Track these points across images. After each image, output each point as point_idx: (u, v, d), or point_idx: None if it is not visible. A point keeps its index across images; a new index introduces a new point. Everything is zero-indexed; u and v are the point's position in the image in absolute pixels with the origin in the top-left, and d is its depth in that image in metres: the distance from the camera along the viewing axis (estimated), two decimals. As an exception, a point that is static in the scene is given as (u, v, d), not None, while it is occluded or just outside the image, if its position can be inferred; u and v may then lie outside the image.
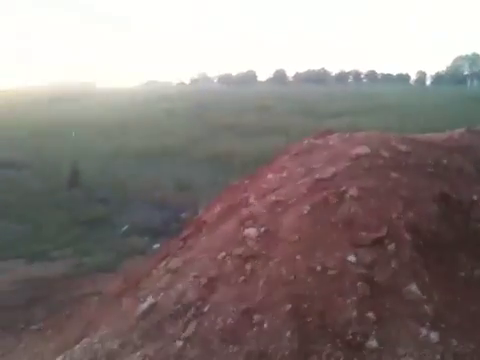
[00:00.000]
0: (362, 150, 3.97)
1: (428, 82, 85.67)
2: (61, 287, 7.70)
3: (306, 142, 4.96)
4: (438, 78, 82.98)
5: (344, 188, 3.55)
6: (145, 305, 3.43)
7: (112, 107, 38.04)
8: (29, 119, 28.34)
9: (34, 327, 6.41)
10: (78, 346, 3.61)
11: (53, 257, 9.14)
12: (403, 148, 4.05)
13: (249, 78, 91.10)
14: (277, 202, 3.80)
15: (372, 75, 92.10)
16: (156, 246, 9.02)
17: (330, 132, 5.20)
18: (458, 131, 4.79)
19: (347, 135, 4.76)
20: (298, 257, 3.20)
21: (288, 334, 2.85)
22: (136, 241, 9.92)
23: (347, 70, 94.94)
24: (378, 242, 3.19)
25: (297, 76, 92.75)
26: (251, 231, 3.57)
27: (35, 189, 13.59)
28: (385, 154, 3.95)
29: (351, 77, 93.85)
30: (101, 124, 25.71)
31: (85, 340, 3.66)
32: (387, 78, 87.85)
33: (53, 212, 11.51)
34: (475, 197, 3.88)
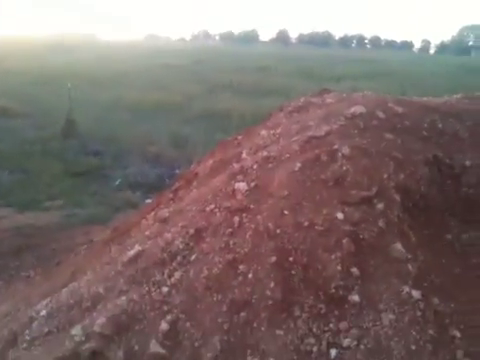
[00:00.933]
0: (358, 110, 3.93)
1: (432, 51, 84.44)
2: (52, 237, 7.73)
3: (302, 100, 4.91)
4: (442, 47, 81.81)
5: (336, 146, 3.53)
6: (132, 252, 3.46)
7: (110, 59, 37.38)
8: (26, 67, 27.86)
9: (24, 274, 6.48)
10: (64, 290, 3.66)
11: (45, 207, 9.13)
12: (399, 110, 4.01)
13: (251, 37, 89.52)
14: (269, 158, 3.78)
15: (376, 41, 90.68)
16: (149, 201, 9.04)
17: (327, 91, 5.14)
18: (455, 96, 4.75)
19: (344, 95, 4.71)
20: (286, 212, 3.22)
21: (272, 285, 2.90)
22: (129, 195, 9.92)
23: (351, 34, 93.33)
24: (367, 201, 3.20)
25: (300, 38, 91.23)
26: (241, 185, 3.57)
27: (29, 138, 13.46)
28: (380, 115, 3.91)
29: (355, 42, 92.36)
30: (98, 75, 25.33)
31: (71, 284, 3.71)
32: (391, 44, 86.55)
33: (46, 162, 11.44)
34: (468, 163, 3.88)
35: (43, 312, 3.38)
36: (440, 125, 4.04)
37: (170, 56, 41.72)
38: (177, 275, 3.11)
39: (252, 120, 10.30)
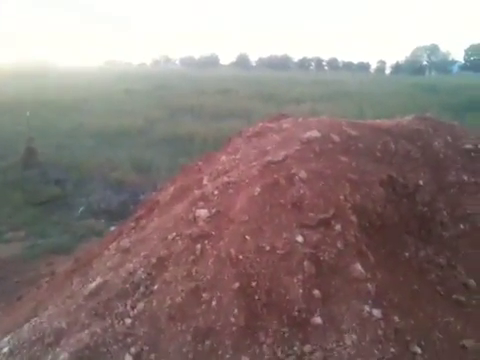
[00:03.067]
0: (313, 134, 4.04)
1: (387, 71, 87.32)
2: (15, 269, 7.54)
3: (260, 125, 5.01)
4: (397, 67, 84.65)
5: (294, 171, 3.62)
6: (94, 284, 3.42)
7: (70, 86, 37.00)
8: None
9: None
10: (26, 325, 3.57)
11: (6, 238, 8.91)
12: (353, 133, 4.15)
13: (212, 61, 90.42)
14: (229, 183, 3.83)
15: (333, 63, 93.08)
16: (113, 228, 8.92)
17: (284, 116, 5.26)
18: (407, 118, 4.95)
19: (300, 119, 4.83)
20: (247, 237, 3.26)
21: (235, 311, 2.92)
22: (93, 223, 9.78)
23: (309, 57, 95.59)
24: (325, 223, 3.28)
25: (260, 61, 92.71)
26: (202, 212, 3.60)
27: (-13, 168, 13.13)
28: (335, 138, 4.04)
29: (313, 64, 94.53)
30: (58, 103, 25.01)
31: (33, 320, 3.62)
32: (348, 66, 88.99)
33: (7, 192, 11.17)
34: (421, 182, 4.04)
35: (5, 349, 3.29)
36: (393, 146, 4.20)
37: (131, 81, 41.66)
38: (140, 306, 3.09)
39: (214, 143, 10.40)
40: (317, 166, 3.68)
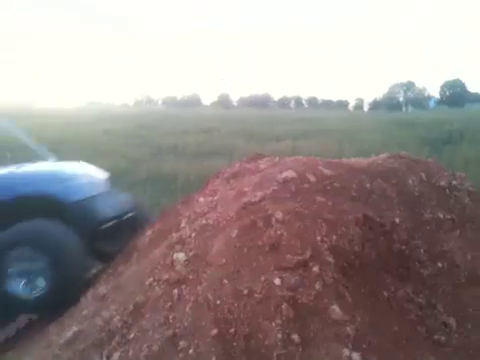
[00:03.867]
0: (289, 174, 4.08)
1: (366, 108, 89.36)
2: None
3: (237, 165, 5.04)
4: (375, 104, 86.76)
5: (271, 212, 3.63)
6: (69, 333, 3.34)
7: (49, 127, 36.94)
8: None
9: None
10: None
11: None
12: (328, 172, 4.20)
13: (193, 101, 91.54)
14: (207, 226, 3.82)
15: (313, 101, 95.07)
16: (92, 273, 8.73)
17: (261, 156, 5.31)
18: (382, 156, 5.03)
19: (276, 159, 4.88)
20: (225, 281, 3.23)
21: (213, 359, 2.85)
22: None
23: (289, 95, 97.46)
24: (302, 265, 3.27)
25: (241, 100, 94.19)
26: (179, 255, 3.57)
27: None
28: (311, 178, 4.08)
29: (293, 102, 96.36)
30: (38, 143, 24.85)
31: (8, 372, 3.51)
32: (327, 104, 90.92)
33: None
34: (397, 220, 4.07)
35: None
36: (368, 185, 4.24)
37: (113, 121, 41.74)
38: (116, 356, 3.01)
39: (198, 182, 10.36)
40: (294, 206, 3.70)
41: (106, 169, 18.58)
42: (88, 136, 29.67)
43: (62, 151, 22.81)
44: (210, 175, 6.82)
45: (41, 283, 3.88)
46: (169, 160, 20.70)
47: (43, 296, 3.86)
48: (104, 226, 4.43)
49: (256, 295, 3.11)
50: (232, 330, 2.97)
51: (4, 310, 4.13)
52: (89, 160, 19.18)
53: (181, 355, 2.90)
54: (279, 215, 3.57)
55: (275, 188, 3.97)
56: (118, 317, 3.26)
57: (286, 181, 4.03)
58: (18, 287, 3.90)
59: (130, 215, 4.93)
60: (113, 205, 4.69)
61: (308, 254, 3.29)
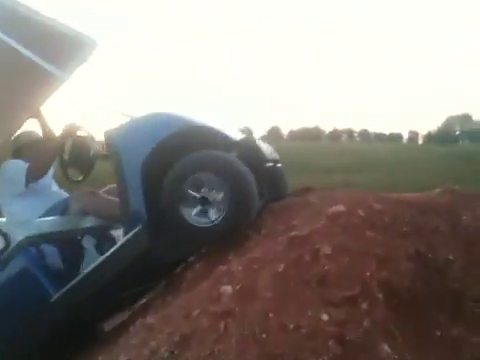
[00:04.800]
0: (338, 209, 4.05)
1: (420, 141, 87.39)
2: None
3: (287, 199, 5.06)
4: (430, 137, 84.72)
5: (318, 246, 3.61)
6: (117, 363, 3.40)
7: None
8: None
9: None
10: None
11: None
12: (378, 207, 4.14)
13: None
14: (254, 259, 3.83)
15: (365, 133, 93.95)
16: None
17: (310, 189, 5.31)
18: (435, 191, 4.91)
19: (326, 193, 4.87)
20: (271, 315, 3.22)
21: (259, 394, 2.83)
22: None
23: (340, 128, 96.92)
24: (351, 300, 3.21)
25: (291, 133, 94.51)
26: (227, 288, 3.59)
27: None
28: (361, 213, 4.03)
29: (344, 135, 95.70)
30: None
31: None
32: (380, 137, 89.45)
33: None
34: (451, 256, 3.93)
35: None
36: (420, 220, 4.14)
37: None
38: (162, 386, 3.04)
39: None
40: (342, 241, 3.66)
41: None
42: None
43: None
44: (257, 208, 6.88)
45: (217, 212, 4.05)
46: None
47: (220, 223, 4.05)
48: (267, 164, 4.68)
49: (302, 330, 3.07)
50: (278, 365, 2.94)
51: (180, 239, 4.34)
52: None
53: (226, 389, 2.89)
54: (327, 250, 3.54)
55: (324, 222, 3.95)
56: (165, 347, 3.30)
57: (335, 215, 4.00)
58: (196, 214, 4.08)
59: (279, 165, 5.22)
60: (269, 148, 5.00)
61: (357, 290, 3.24)
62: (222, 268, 4.03)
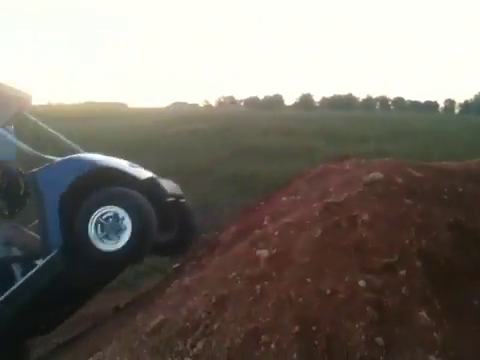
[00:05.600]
0: (376, 175, 3.99)
1: (457, 110, 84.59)
2: (81, 302, 7.77)
3: (322, 166, 5.01)
4: (467, 106, 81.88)
5: (356, 213, 3.58)
6: (155, 321, 3.49)
7: (139, 126, 38.66)
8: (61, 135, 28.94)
9: (54, 340, 6.51)
10: (90, 359, 3.69)
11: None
12: (417, 175, 4.06)
13: (276, 102, 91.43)
14: (290, 224, 3.84)
15: (400, 102, 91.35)
16: (176, 266, 9.07)
17: (347, 157, 5.24)
18: (476, 160, 4.77)
19: (363, 161, 4.80)
20: (308, 280, 3.23)
21: (295, 356, 2.86)
22: (156, 260, 9.98)
23: (374, 96, 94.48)
24: (389, 268, 3.20)
25: (323, 101, 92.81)
26: (263, 252, 3.62)
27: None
28: (399, 180, 3.96)
29: (378, 103, 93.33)
30: (127, 143, 26.16)
31: (97, 354, 3.73)
32: (415, 105, 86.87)
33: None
34: (491, 226, 3.84)
35: (68, 382, 3.40)
36: (460, 189, 4.05)
37: (197, 122, 42.89)
38: (199, 345, 3.11)
39: (277, 183, 10.42)
40: (380, 208, 3.62)
41: (190, 168, 19.24)
42: (173, 136, 30.75)
43: (152, 149, 23.89)
44: (290, 177, 6.85)
45: (121, 239, 4.40)
46: (249, 161, 20.94)
47: (125, 248, 4.36)
48: (168, 199, 5.05)
49: (339, 295, 3.08)
50: (314, 328, 2.97)
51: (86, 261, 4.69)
52: (175, 159, 19.96)
53: (263, 349, 2.94)
54: (365, 216, 3.51)
55: (361, 189, 3.90)
56: (202, 308, 3.37)
57: (373, 182, 3.95)
58: (100, 241, 4.46)
59: (183, 201, 5.55)
60: (171, 186, 5.39)
61: (395, 257, 3.22)
62: (257, 232, 4.05)
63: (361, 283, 3.12)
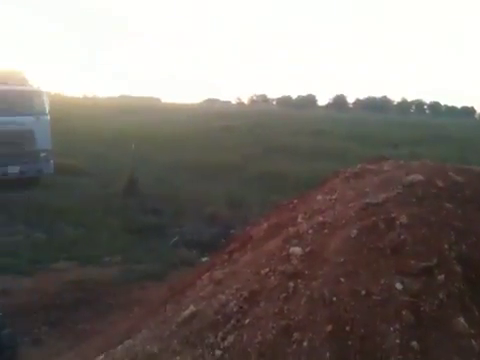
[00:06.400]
0: (416, 178, 3.90)
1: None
2: (110, 291, 7.93)
3: (359, 166, 4.93)
4: (505, 113, 79.56)
5: (394, 214, 3.50)
6: (187, 312, 3.50)
7: (172, 121, 39.03)
8: (91, 128, 29.53)
9: (80, 327, 6.63)
10: (120, 347, 3.73)
11: (104, 262, 9.44)
12: (459, 179, 3.95)
13: (308, 102, 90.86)
14: (324, 223, 3.79)
15: (436, 106, 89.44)
16: (204, 259, 9.13)
17: (385, 158, 5.15)
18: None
19: (402, 162, 4.70)
20: (342, 279, 3.18)
21: (327, 355, 2.83)
22: (184, 253, 10.08)
23: (410, 99, 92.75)
24: (427, 271, 3.11)
25: (357, 102, 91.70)
26: (296, 249, 3.59)
27: (93, 195, 14.12)
28: (439, 184, 3.86)
29: (413, 107, 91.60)
30: (161, 137, 26.46)
31: (127, 342, 3.78)
32: (451, 111, 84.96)
33: (108, 219, 11.90)
34: None
35: (99, 368, 3.45)
36: (503, 195, 3.92)
37: (229, 119, 43.03)
38: (230, 338, 3.11)
39: (307, 183, 10.36)
40: (419, 211, 3.53)
41: (221, 164, 19.38)
42: (206, 132, 30.96)
43: (185, 145, 24.11)
44: (319, 176, 6.78)
45: None
46: (280, 159, 20.91)
47: None
48: None
49: (374, 297, 3.03)
50: (347, 329, 2.92)
51: None
52: (207, 154, 20.15)
53: (294, 346, 2.91)
54: (403, 219, 3.43)
55: (400, 191, 3.82)
56: (234, 302, 3.36)
57: (412, 184, 3.86)
58: None
59: None
60: None
61: (434, 261, 3.13)
62: (291, 230, 4.02)
63: (398, 286, 3.06)
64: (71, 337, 6.28)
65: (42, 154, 15.03)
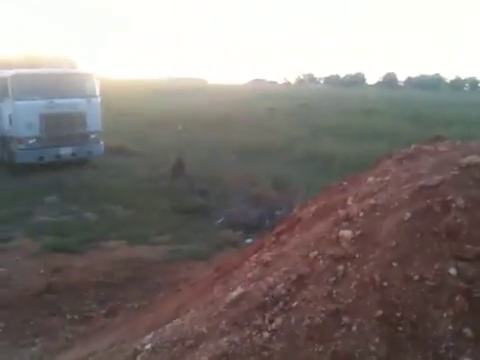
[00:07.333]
0: (474, 159, 3.71)
1: None
2: (158, 270, 8.14)
3: (413, 147, 4.75)
4: None
5: (450, 197, 3.35)
6: (235, 294, 3.51)
7: (219, 103, 39.15)
8: (144, 109, 30.03)
9: (129, 305, 6.84)
10: (169, 325, 3.80)
11: (153, 242, 9.68)
12: (521, 160, 3.73)
13: (357, 80, 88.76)
14: (376, 206, 3.69)
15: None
16: (249, 240, 9.19)
17: (440, 138, 4.93)
18: None
19: (459, 143, 4.49)
20: (394, 264, 3.09)
21: (377, 340, 2.77)
22: (230, 234, 10.20)
23: (463, 77, 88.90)
24: (483, 257, 2.98)
25: (408, 81, 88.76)
26: (346, 232, 3.51)
27: (141, 176, 14.44)
28: (500, 165, 3.67)
29: (467, 85, 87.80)
30: (207, 119, 26.62)
31: (176, 321, 3.84)
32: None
33: (156, 199, 12.16)
34: None
35: (148, 346, 3.52)
36: None
37: (275, 100, 42.71)
38: (278, 321, 3.09)
39: (356, 164, 10.15)
40: (477, 194, 3.37)
41: (267, 145, 19.38)
42: (253, 113, 30.89)
43: (231, 126, 24.23)
44: (369, 158, 6.60)
45: None
46: (328, 140, 20.61)
47: None
48: None
49: (428, 282, 2.93)
50: (398, 314, 2.85)
51: None
52: (254, 136, 20.18)
53: (343, 330, 2.87)
54: (460, 202, 3.28)
55: (456, 173, 3.65)
56: (282, 284, 3.34)
57: (469, 166, 3.67)
58: None
59: None
60: None
61: (492, 246, 2.99)
62: (341, 212, 3.94)
63: (452, 271, 2.94)
64: (120, 315, 6.50)
65: (92, 136, 15.48)
